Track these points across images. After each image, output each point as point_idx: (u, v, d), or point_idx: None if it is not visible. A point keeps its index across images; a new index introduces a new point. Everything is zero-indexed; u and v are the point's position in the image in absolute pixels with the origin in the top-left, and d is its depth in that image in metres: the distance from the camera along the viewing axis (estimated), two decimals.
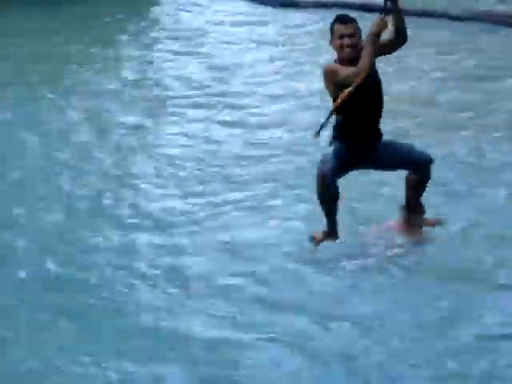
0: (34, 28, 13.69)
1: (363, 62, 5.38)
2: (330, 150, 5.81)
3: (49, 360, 4.93)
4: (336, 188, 5.78)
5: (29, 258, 6.30)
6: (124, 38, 13.36)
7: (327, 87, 5.64)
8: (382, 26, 5.42)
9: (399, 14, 5.53)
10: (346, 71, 5.45)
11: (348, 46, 5.49)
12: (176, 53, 12.47)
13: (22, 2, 14.92)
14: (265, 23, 14.18)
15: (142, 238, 6.55)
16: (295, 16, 14.69)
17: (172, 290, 5.73)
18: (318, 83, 6.39)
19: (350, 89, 5.41)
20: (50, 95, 10.52)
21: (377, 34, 5.42)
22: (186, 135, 9.04)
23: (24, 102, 10.28)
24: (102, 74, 11.35)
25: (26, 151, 8.62)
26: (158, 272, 6.00)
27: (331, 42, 5.58)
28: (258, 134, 8.93)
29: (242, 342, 5.06)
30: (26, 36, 13.19)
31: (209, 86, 10.68)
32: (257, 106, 9.87)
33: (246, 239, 6.45)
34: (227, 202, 7.16)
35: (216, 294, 5.68)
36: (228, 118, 9.48)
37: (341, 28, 5.52)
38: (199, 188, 7.53)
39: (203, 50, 12.52)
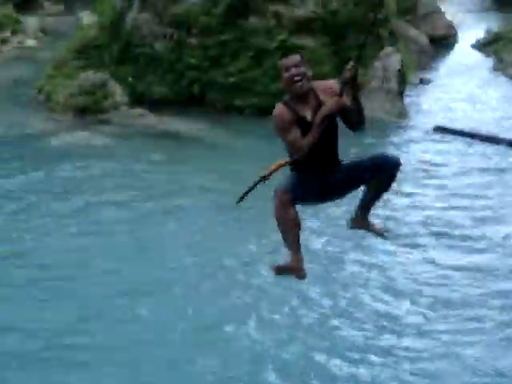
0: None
1: (307, 141, 5.14)
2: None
3: None
4: (296, 212, 5.36)
5: None
6: None
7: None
8: (338, 107, 5.17)
9: (356, 96, 5.27)
10: (290, 137, 5.21)
11: (297, 77, 5.24)
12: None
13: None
14: None
15: None
16: None
17: None
18: None
19: (283, 161, 5.21)
20: None
21: (330, 115, 5.17)
22: None
23: None
24: None
25: None
26: None
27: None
28: None
29: None
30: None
31: None
32: None
33: None
34: None
35: None
36: None
37: (285, 61, 5.27)
38: None
39: None
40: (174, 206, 13.55)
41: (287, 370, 8.81)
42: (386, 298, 10.27)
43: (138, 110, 18.92)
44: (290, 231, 5.36)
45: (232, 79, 19.33)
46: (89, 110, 18.67)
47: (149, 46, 20.06)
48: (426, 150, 16.80)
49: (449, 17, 29.60)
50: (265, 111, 18.64)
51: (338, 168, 5.47)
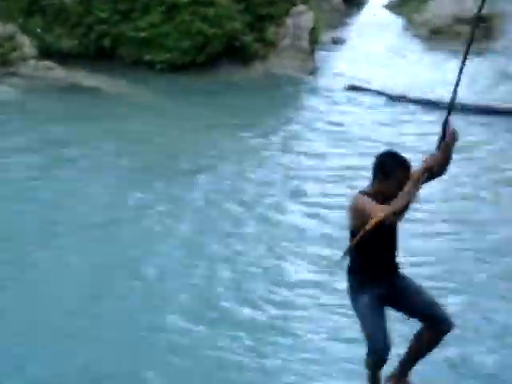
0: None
1: (398, 202, 4.92)
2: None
3: None
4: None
5: None
6: None
7: (350, 220, 5.26)
8: (432, 166, 5.04)
9: (450, 146, 5.13)
10: (373, 208, 4.99)
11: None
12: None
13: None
14: None
15: None
16: None
17: None
18: None
19: (369, 226, 4.99)
20: None
21: (424, 174, 5.04)
22: None
23: None
24: None
25: None
26: None
27: (380, 180, 5.17)
28: None
29: None
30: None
31: None
32: None
33: None
34: None
35: None
36: None
37: (404, 175, 5.09)
38: None
39: None
40: (76, 158, 13.35)
41: None
42: None
43: (47, 63, 18.51)
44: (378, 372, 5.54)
45: (143, 34, 19.08)
46: None
47: None
48: (337, 109, 16.93)
49: None
50: (176, 67, 18.53)
51: (397, 275, 5.47)
